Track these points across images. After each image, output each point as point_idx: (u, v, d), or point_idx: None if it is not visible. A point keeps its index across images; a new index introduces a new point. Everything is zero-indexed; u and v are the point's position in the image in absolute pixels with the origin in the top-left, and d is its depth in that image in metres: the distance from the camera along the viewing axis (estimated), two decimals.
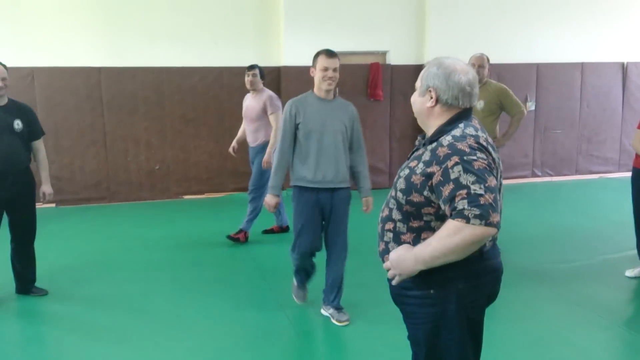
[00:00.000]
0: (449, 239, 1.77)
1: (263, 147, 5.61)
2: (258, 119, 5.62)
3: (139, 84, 7.67)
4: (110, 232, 6.33)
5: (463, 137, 1.89)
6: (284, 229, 6.06)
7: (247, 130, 5.80)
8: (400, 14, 8.36)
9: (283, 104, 7.80)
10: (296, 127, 3.66)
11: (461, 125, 1.94)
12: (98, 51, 7.53)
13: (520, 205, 7.38)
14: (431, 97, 1.98)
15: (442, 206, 1.84)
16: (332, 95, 3.73)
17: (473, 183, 1.76)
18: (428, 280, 1.93)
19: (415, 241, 1.96)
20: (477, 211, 1.72)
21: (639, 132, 4.49)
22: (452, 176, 1.79)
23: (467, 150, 1.83)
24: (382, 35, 8.32)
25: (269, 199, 3.75)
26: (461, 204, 1.75)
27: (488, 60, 5.18)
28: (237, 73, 7.92)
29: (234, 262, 5.26)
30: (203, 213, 7.24)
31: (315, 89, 3.71)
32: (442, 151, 1.86)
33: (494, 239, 2.03)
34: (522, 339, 3.63)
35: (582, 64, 8.97)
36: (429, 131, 2.03)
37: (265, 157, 5.52)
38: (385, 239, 2.05)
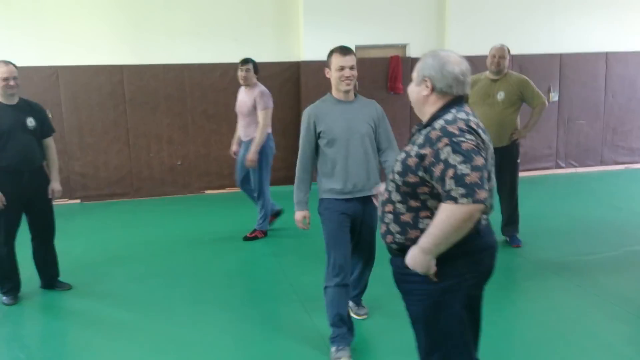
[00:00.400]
0: (444, 223, 1.92)
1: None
2: (250, 114, 5.52)
3: (160, 81, 7.75)
4: (133, 228, 6.43)
5: (454, 120, 2.03)
6: (276, 213, 6.03)
7: (240, 124, 5.75)
8: (420, 6, 8.29)
9: (303, 102, 7.86)
10: (318, 137, 3.36)
11: (453, 110, 2.09)
12: (120, 49, 7.63)
13: (543, 197, 7.30)
14: (427, 86, 2.13)
15: (435, 185, 1.99)
16: (353, 95, 3.41)
17: (460, 163, 1.90)
18: None
19: (414, 220, 2.10)
20: (463, 190, 1.87)
21: None
22: (442, 157, 1.94)
23: (457, 132, 1.97)
24: (401, 28, 8.26)
25: (298, 216, 3.39)
26: (449, 184, 1.90)
27: (509, 51, 5.12)
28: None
29: (254, 256, 5.30)
30: (225, 208, 7.29)
31: (334, 91, 3.40)
32: (434, 134, 2.01)
33: (487, 218, 2.17)
34: (543, 331, 3.60)
35: (607, 54, 8.80)
36: (424, 118, 2.18)
37: (250, 155, 5.42)
38: (386, 220, 2.19)
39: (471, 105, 5.34)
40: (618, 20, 8.77)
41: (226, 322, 3.88)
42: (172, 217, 6.87)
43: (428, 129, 2.08)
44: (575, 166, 9.02)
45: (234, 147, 5.97)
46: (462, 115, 2.06)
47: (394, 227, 2.15)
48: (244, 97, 5.66)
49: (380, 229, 2.24)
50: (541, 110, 5.11)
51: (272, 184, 8.10)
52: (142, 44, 7.67)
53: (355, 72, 3.33)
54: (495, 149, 5.20)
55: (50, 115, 7.40)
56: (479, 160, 1.92)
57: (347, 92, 3.37)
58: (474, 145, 1.95)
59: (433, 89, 2.12)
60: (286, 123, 8.10)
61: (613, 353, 3.30)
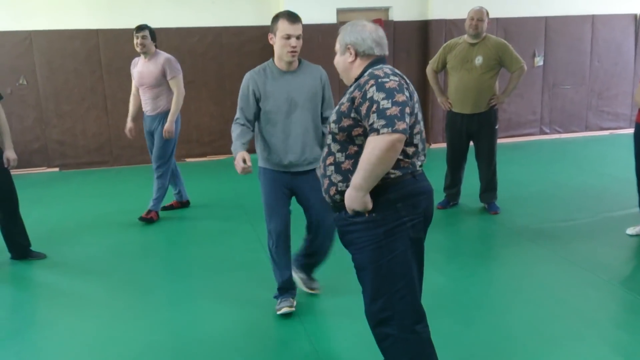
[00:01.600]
0: (370, 155, 2.06)
1: (165, 115, 5.19)
2: (158, 84, 5.11)
3: None
4: (111, 196, 6.35)
5: (380, 68, 2.23)
6: (184, 204, 5.78)
7: (144, 98, 5.23)
8: None
9: None
10: (257, 105, 3.22)
11: (378, 65, 2.28)
12: (95, 13, 7.43)
13: (525, 163, 7.28)
14: (351, 53, 2.33)
15: (364, 123, 2.14)
16: (297, 64, 3.23)
17: (383, 99, 2.07)
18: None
19: (354, 167, 2.19)
20: (383, 122, 2.03)
21: None
22: (368, 95, 2.11)
23: (382, 74, 2.16)
24: None
25: (237, 158, 3.03)
26: (372, 118, 2.07)
27: (487, 14, 5.00)
28: (235, 33, 7.81)
29: (231, 225, 5.24)
30: (205, 176, 7.22)
31: (276, 60, 3.19)
32: (363, 80, 2.20)
33: (422, 167, 2.32)
34: (514, 297, 3.60)
35: (593, 17, 8.68)
36: (352, 81, 2.34)
37: (167, 125, 5.12)
38: (328, 173, 2.31)
39: (449, 70, 5.29)
40: None
41: (196, 292, 3.85)
42: (151, 186, 6.77)
43: (358, 79, 2.26)
44: (559, 132, 8.99)
45: (130, 124, 5.48)
46: (386, 66, 2.26)
47: (336, 177, 2.27)
48: (146, 68, 5.14)
49: (323, 185, 2.35)
50: (520, 75, 5.02)
51: (251, 152, 8.04)
52: (118, 7, 7.48)
53: (301, 42, 3.13)
54: (473, 115, 5.22)
55: (25, 82, 7.29)
56: (400, 97, 2.08)
57: (290, 62, 3.18)
58: (396, 85, 2.12)
59: (357, 54, 2.32)
60: None
61: (582, 318, 3.30)
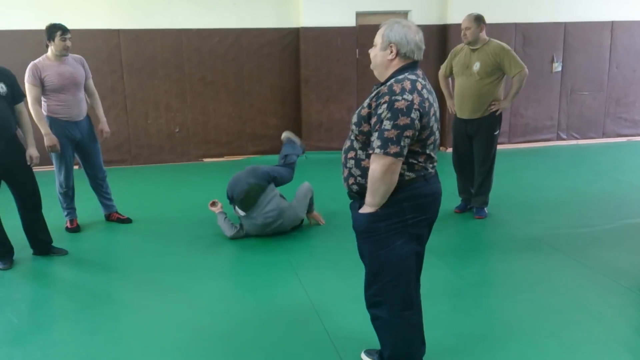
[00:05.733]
0: (371, 175, 2.29)
1: (88, 118, 5.12)
2: (82, 86, 5.01)
3: (158, 46, 7.66)
4: (130, 195, 6.41)
5: (402, 79, 2.32)
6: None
7: (70, 102, 4.88)
8: None
9: (303, 69, 7.75)
10: None
11: (406, 73, 2.38)
12: (117, 13, 7.52)
13: (542, 169, 7.26)
14: (391, 51, 2.40)
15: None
16: None
17: (387, 119, 2.24)
18: None
19: None
20: (379, 143, 2.24)
21: None
22: (379, 111, 2.28)
23: (398, 90, 2.27)
24: None
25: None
26: (374, 136, 2.28)
27: (477, 19, 4.90)
28: (255, 35, 7.87)
29: None
30: (222, 175, 7.25)
31: None
32: (382, 90, 2.32)
33: (434, 168, 2.48)
34: (534, 303, 3.59)
35: (612, 23, 8.64)
36: (383, 79, 2.45)
37: (105, 126, 5.27)
38: (348, 165, 2.49)
39: (454, 75, 5.26)
40: None
41: (217, 291, 3.89)
42: (169, 185, 6.85)
43: (383, 86, 2.37)
44: (576, 138, 8.95)
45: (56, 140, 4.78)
46: (412, 76, 2.35)
47: (356, 171, 2.45)
48: (67, 69, 4.87)
49: (343, 173, 2.54)
50: (520, 79, 4.90)
51: (268, 153, 8.10)
52: (139, 7, 7.56)
53: None
54: (473, 120, 5.20)
55: None
56: (402, 120, 2.23)
57: None
58: (406, 105, 2.23)
59: (397, 54, 2.39)
60: (286, 91, 8.02)
61: (603, 324, 3.30)
